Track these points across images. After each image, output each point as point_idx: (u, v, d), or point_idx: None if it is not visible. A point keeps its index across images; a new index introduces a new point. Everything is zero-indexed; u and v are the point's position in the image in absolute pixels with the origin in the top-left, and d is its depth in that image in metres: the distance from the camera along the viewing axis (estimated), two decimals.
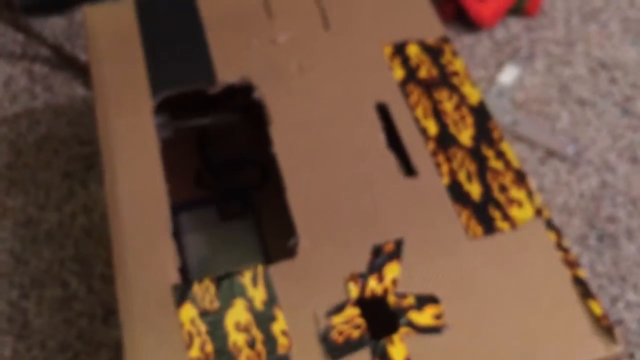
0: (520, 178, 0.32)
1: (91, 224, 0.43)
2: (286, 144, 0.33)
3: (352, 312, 0.28)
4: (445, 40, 0.38)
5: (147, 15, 0.39)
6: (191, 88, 0.36)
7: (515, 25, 0.55)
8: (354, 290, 0.28)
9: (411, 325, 0.27)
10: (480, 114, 0.35)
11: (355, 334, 0.27)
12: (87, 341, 0.38)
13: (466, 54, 0.53)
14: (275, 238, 0.41)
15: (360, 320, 0.27)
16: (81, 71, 0.51)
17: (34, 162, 0.46)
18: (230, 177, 0.44)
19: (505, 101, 0.49)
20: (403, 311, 0.28)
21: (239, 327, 0.27)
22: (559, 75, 0.51)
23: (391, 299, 0.28)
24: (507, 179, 0.32)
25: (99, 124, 0.34)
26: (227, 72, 0.36)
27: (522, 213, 0.31)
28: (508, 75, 0.51)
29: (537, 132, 0.47)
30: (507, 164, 0.33)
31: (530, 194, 0.32)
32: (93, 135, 0.48)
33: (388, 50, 0.37)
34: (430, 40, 0.38)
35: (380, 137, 0.34)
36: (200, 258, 0.41)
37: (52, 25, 0.55)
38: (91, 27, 0.38)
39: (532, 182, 0.32)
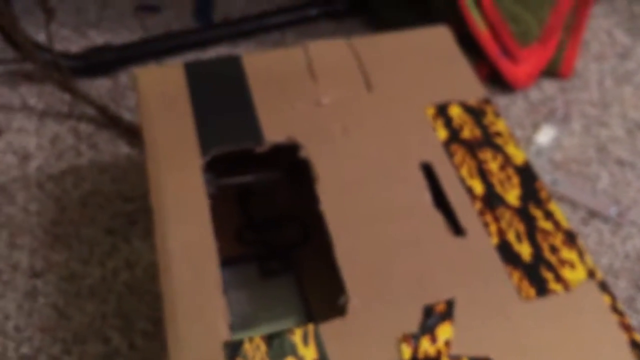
0: (571, 239, 0.32)
1: (133, 280, 0.43)
2: (333, 201, 0.34)
3: None
4: (486, 101, 0.38)
5: (196, 77, 0.40)
6: (240, 147, 0.36)
7: (550, 86, 0.55)
8: (406, 352, 0.28)
9: None
10: (526, 174, 0.35)
11: None
12: None
13: (502, 115, 0.53)
14: (316, 297, 0.41)
15: None
16: (125, 130, 0.53)
17: (79, 218, 0.47)
18: (272, 235, 0.44)
19: (544, 161, 0.49)
20: None
21: None
22: (597, 136, 0.52)
23: None
24: (558, 239, 0.32)
25: (150, 180, 0.35)
26: (273, 132, 0.37)
27: (575, 275, 0.30)
28: (545, 135, 0.51)
29: (578, 192, 0.47)
30: (557, 224, 0.32)
31: (581, 255, 0.31)
32: (136, 192, 0.49)
33: (430, 111, 0.38)
34: (472, 101, 0.38)
35: (427, 197, 0.34)
36: (241, 315, 0.41)
37: (98, 87, 0.57)
38: (142, 88, 0.40)
39: (582, 243, 0.32)
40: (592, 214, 0.46)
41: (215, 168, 0.44)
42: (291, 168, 0.44)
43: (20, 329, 0.40)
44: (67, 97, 0.56)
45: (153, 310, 0.41)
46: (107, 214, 0.47)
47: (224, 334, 0.28)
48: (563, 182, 0.48)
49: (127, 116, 0.54)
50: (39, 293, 0.42)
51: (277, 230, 0.44)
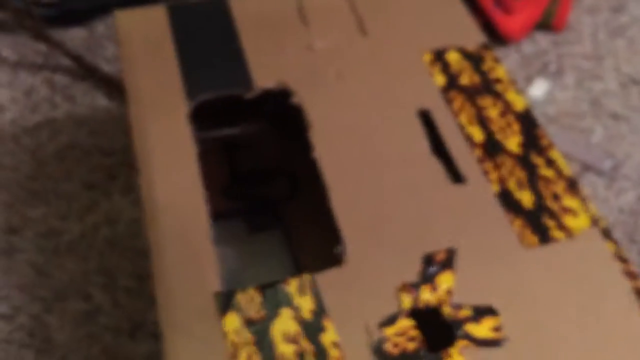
0: (573, 186, 0.31)
1: (115, 236, 0.41)
2: (327, 149, 0.32)
3: (406, 323, 0.26)
4: (485, 46, 0.37)
5: (180, 21, 0.38)
6: (228, 93, 0.35)
7: (543, 39, 0.54)
8: (406, 301, 0.27)
9: (469, 337, 0.26)
10: (527, 120, 0.34)
11: (411, 346, 0.25)
12: (112, 356, 0.36)
13: None
14: (306, 253, 0.40)
15: (415, 332, 0.26)
16: (103, 82, 0.50)
17: (56, 172, 0.45)
18: (259, 189, 0.43)
19: (537, 115, 0.48)
20: (460, 323, 0.26)
21: (287, 338, 0.25)
22: (590, 90, 0.51)
23: (446, 310, 0.26)
24: (559, 187, 0.31)
25: (133, 130, 0.33)
26: (263, 78, 0.35)
27: (578, 222, 0.29)
28: (538, 89, 0.50)
29: (572, 146, 0.46)
30: (559, 171, 0.31)
31: (584, 203, 0.30)
32: (116, 145, 0.46)
33: (427, 57, 0.36)
34: (471, 46, 0.37)
35: (424, 144, 0.32)
36: (229, 272, 0.39)
37: (73, 37, 0.54)
38: (123, 32, 0.37)
39: (585, 191, 0.31)
40: (586, 168, 0.45)
41: (200, 120, 0.43)
42: (279, 119, 0.43)
43: None
44: (41, 47, 0.53)
45: (136, 266, 0.40)
46: (86, 168, 0.45)
47: (215, 285, 0.27)
48: (557, 136, 0.47)
49: (104, 67, 0.51)
50: (15, 250, 0.40)
51: (265, 184, 0.43)
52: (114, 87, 0.50)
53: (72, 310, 0.38)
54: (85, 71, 0.51)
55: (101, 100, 0.49)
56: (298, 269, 0.39)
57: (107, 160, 0.45)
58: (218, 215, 0.42)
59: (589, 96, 0.50)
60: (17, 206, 0.42)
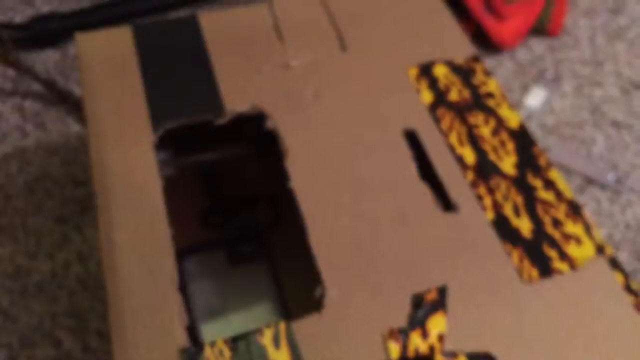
0: (575, 210, 0.28)
1: (87, 274, 0.38)
2: (305, 178, 0.29)
3: None
4: (475, 59, 0.34)
5: (146, 41, 0.35)
6: (197, 119, 0.32)
7: (538, 45, 0.51)
8: (394, 350, 0.24)
9: None
10: (522, 138, 0.31)
11: None
12: None
13: None
14: (293, 284, 0.37)
15: None
16: (75, 106, 0.48)
17: (24, 206, 0.42)
18: (240, 217, 0.40)
19: (534, 126, 0.45)
20: None
21: None
22: (590, 97, 0.48)
23: (439, 359, 0.24)
24: (560, 211, 0.28)
25: (93, 162, 0.30)
26: (235, 101, 0.33)
27: (582, 251, 0.27)
28: (535, 98, 0.47)
29: (572, 158, 0.43)
30: (559, 194, 0.29)
31: (588, 229, 0.27)
32: (88, 175, 0.44)
33: (413, 72, 0.34)
34: (459, 59, 0.34)
35: (412, 168, 0.30)
36: (209, 309, 0.37)
37: (45, 60, 0.51)
38: (84, 56, 0.35)
39: (589, 215, 0.28)
40: (589, 181, 0.43)
41: (174, 145, 0.40)
42: (259, 141, 0.40)
43: None
44: (10, 72, 0.50)
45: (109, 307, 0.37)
46: (57, 201, 0.42)
47: (181, 340, 0.24)
48: (556, 148, 0.44)
49: (77, 91, 0.49)
50: None
51: (246, 212, 0.40)
52: None
53: (40, 358, 0.35)
54: (58, 96, 0.48)
55: (74, 127, 0.47)
56: (284, 304, 0.36)
57: (80, 191, 0.43)
58: (197, 248, 0.39)
59: (589, 104, 0.47)
60: None
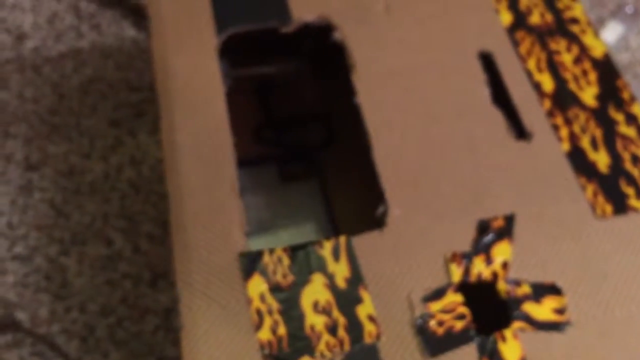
0: None
1: (139, 178, 0.38)
2: (372, 94, 0.28)
3: (455, 298, 0.23)
4: None
5: None
6: (262, 26, 0.31)
7: None
8: (456, 273, 0.23)
9: (527, 319, 0.22)
10: (607, 69, 0.29)
11: (459, 325, 0.22)
12: (131, 305, 0.34)
13: None
14: (342, 204, 0.36)
15: (464, 310, 0.22)
16: (131, 10, 0.47)
17: (79, 107, 0.42)
18: (294, 134, 0.39)
19: None
20: (517, 302, 0.23)
21: (317, 308, 0.22)
22: None
23: (502, 286, 0.23)
24: None
25: (155, 64, 0.29)
26: (303, 9, 0.31)
27: None
28: (611, 33, 0.44)
29: None
30: None
31: None
32: (144, 80, 0.43)
33: None
34: None
35: (485, 92, 0.28)
36: (258, 223, 0.37)
37: None
38: None
39: None
40: None
41: (231, 56, 0.39)
42: (318, 57, 0.39)
43: (13, 226, 0.36)
44: None
45: (160, 212, 0.37)
46: (111, 104, 0.42)
47: (240, 244, 0.24)
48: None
49: None
50: (34, 188, 0.38)
51: (300, 130, 0.39)
52: (144, 16, 0.46)
53: (91, 255, 0.36)
54: None
55: (129, 31, 0.46)
56: (333, 226, 0.36)
57: (134, 96, 0.42)
58: (248, 161, 0.39)
59: None
60: (37, 141, 0.40)
